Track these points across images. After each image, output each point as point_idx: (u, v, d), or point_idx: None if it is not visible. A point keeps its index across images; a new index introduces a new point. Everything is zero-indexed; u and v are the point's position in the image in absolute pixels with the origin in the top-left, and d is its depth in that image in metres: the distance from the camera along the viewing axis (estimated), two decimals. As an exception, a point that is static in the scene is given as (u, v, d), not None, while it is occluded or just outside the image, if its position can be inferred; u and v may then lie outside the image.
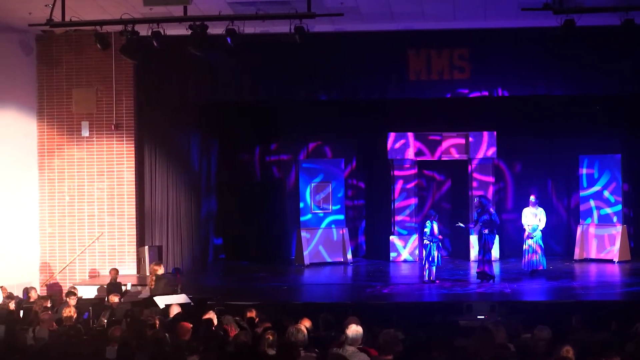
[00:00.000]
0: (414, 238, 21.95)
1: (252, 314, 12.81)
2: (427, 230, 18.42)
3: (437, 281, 18.24)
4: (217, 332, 11.13)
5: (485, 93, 19.72)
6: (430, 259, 18.26)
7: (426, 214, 19.71)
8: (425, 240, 18.42)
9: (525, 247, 19.11)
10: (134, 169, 20.20)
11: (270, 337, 9.56)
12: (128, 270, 19.73)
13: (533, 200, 19.25)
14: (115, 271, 18.17)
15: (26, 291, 16.70)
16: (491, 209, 18.67)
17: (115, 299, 15.12)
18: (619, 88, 19.40)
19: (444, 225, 23.23)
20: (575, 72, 19.26)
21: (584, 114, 21.65)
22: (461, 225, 19.23)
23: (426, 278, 18.30)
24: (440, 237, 18.44)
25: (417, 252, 21.55)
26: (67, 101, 20.22)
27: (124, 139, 20.13)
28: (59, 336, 10.71)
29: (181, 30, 16.28)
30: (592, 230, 21.31)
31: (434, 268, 18.31)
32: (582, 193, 21.68)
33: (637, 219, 22.32)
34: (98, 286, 18.23)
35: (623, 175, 21.26)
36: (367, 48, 19.50)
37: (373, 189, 23.70)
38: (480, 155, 22.03)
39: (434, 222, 18.39)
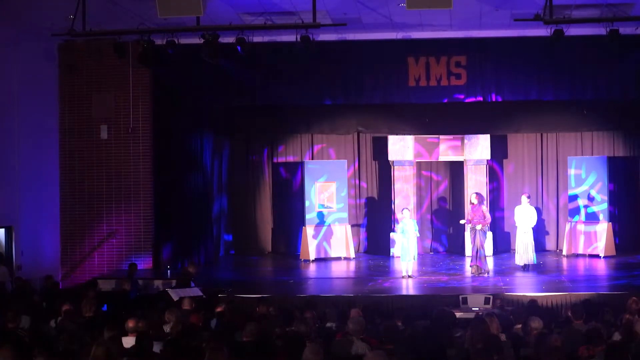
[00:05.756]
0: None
1: (262, 308, 12.81)
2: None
3: (411, 276, 18.23)
4: (228, 323, 11.13)
5: (480, 98, 19.68)
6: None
7: None
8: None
9: (517, 243, 19.12)
10: (150, 170, 20.21)
11: (278, 329, 9.59)
12: (144, 265, 19.78)
13: (525, 199, 19.24)
14: (133, 265, 18.20)
15: (50, 284, 16.73)
16: (484, 207, 18.71)
17: (126, 286, 15.31)
18: (606, 94, 19.39)
19: (442, 223, 23.33)
20: (565, 78, 19.25)
21: (573, 118, 21.62)
22: (462, 222, 19.17)
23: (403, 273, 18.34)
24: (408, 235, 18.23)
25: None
26: (87, 106, 20.25)
27: (140, 141, 20.15)
28: (79, 326, 10.70)
29: (194, 39, 16.36)
30: (579, 227, 21.25)
31: (403, 263, 18.33)
32: (571, 192, 21.63)
33: (621, 217, 22.25)
34: (117, 280, 18.23)
35: (609, 175, 21.22)
36: (370, 56, 19.49)
37: (374, 189, 23.69)
38: (475, 156, 21.98)
39: (404, 221, 18.40)
